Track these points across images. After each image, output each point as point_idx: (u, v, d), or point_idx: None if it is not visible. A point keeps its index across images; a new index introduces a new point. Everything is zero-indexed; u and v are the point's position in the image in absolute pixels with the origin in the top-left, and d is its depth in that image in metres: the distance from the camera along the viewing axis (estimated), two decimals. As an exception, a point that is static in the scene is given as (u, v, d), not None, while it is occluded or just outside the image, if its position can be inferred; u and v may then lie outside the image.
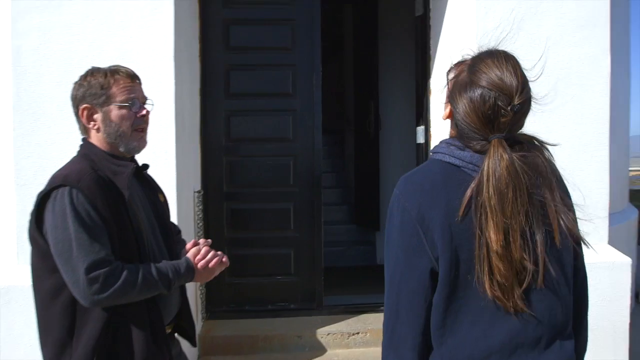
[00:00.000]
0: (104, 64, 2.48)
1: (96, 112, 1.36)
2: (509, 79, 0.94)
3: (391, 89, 4.83)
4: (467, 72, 1.00)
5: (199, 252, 1.41)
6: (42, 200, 1.26)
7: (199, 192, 3.01)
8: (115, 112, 1.36)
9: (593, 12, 2.77)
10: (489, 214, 0.92)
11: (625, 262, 2.69)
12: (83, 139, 1.42)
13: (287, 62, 3.34)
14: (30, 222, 1.30)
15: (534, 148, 1.00)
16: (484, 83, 0.95)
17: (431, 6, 3.33)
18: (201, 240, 1.46)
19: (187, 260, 1.39)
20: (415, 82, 3.56)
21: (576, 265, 1.07)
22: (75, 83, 1.41)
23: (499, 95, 0.94)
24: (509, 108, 0.94)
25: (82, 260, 1.21)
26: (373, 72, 4.74)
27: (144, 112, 1.40)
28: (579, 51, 2.74)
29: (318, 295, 3.31)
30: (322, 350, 2.96)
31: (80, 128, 1.42)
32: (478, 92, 0.95)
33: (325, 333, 3.00)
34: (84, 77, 1.39)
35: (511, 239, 0.92)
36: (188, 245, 1.45)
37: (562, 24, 2.76)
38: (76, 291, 1.22)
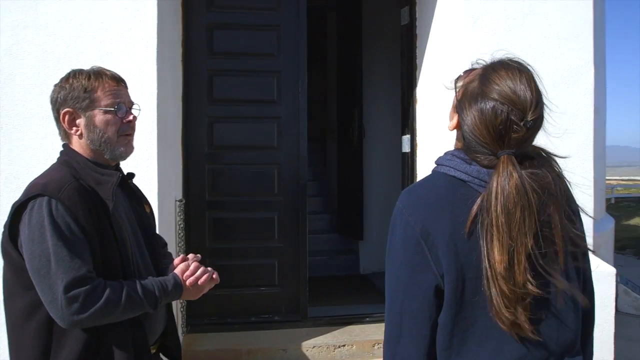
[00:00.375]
0: (82, 66, 2.39)
1: (79, 117, 1.27)
2: (523, 93, 0.90)
3: (375, 98, 4.82)
4: (479, 82, 0.95)
5: (187, 268, 1.32)
6: (18, 210, 1.16)
7: (180, 200, 2.90)
8: (99, 117, 1.27)
9: (577, 24, 2.81)
10: (494, 233, 0.88)
11: (610, 272, 2.72)
12: (64, 145, 1.33)
13: (272, 68, 3.28)
14: (3, 234, 1.20)
15: (544, 162, 0.96)
16: (495, 95, 0.91)
17: (417, 15, 3.33)
18: (190, 255, 1.38)
19: (175, 276, 1.30)
20: (401, 91, 3.55)
21: (584, 280, 1.05)
22: (56, 85, 1.31)
23: (511, 110, 0.90)
24: (522, 124, 0.90)
25: (61, 278, 1.11)
26: (357, 80, 4.72)
27: (131, 117, 1.32)
28: (564, 63, 2.77)
29: (303, 307, 3.23)
30: (307, 364, 2.88)
31: (60, 133, 1.32)
32: (490, 104, 0.91)
33: (311, 346, 2.92)
34: (65, 79, 1.30)
35: (515, 261, 0.88)
36: (176, 261, 1.37)
37: (547, 36, 2.79)
38: (53, 311, 1.12)
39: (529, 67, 0.96)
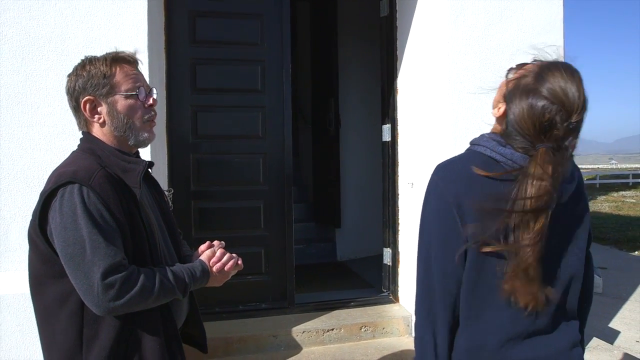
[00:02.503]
0: (68, 52, 2.32)
1: (100, 105, 1.25)
2: (573, 96, 0.96)
3: (351, 87, 4.89)
4: (533, 78, 1.01)
5: (213, 255, 1.34)
6: (47, 199, 1.14)
7: (169, 190, 2.86)
8: (121, 102, 1.25)
9: (549, 19, 2.99)
10: (524, 213, 0.96)
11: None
12: (84, 133, 1.30)
13: (256, 57, 3.27)
14: (32, 223, 1.17)
15: (569, 156, 1.05)
16: (547, 94, 0.97)
17: (397, 8, 3.41)
18: (215, 242, 1.39)
19: (202, 263, 1.32)
20: (381, 82, 3.63)
21: (587, 255, 1.17)
22: (71, 74, 1.28)
23: (559, 110, 0.96)
24: (565, 124, 0.97)
25: (98, 265, 1.10)
26: (333, 70, 4.77)
27: (151, 100, 1.31)
28: (538, 56, 2.93)
29: (290, 294, 3.28)
30: (297, 348, 2.94)
31: (80, 122, 1.30)
32: (540, 102, 0.97)
33: (300, 331, 2.98)
34: (81, 67, 1.27)
35: (537, 238, 0.97)
36: (202, 248, 1.38)
37: (523, 30, 2.95)
38: (89, 298, 1.11)
39: (579, 72, 1.02)
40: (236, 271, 1.40)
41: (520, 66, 1.11)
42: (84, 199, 1.13)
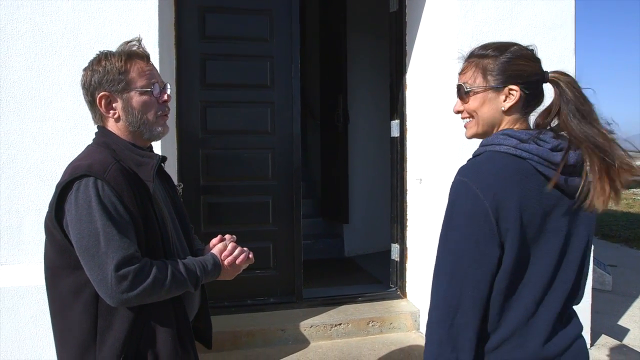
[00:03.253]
0: (80, 48, 2.35)
1: (115, 100, 1.27)
2: None
3: (359, 83, 4.88)
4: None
5: (225, 248, 1.36)
6: (63, 191, 1.16)
7: (179, 185, 2.89)
8: (136, 98, 1.27)
9: (560, 14, 2.96)
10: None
11: (588, 248, 2.92)
12: (99, 127, 1.32)
13: (265, 53, 3.28)
14: (49, 214, 1.19)
15: None
16: None
17: (407, 3, 3.40)
18: (227, 236, 1.41)
19: (214, 256, 1.33)
20: (390, 77, 3.62)
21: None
22: (87, 69, 1.30)
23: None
24: None
25: (111, 257, 1.12)
26: (342, 66, 4.76)
27: (165, 97, 1.33)
28: (549, 51, 2.91)
29: (298, 289, 3.30)
30: (305, 342, 2.96)
31: (95, 117, 1.32)
32: None
33: (308, 325, 3.00)
34: (97, 62, 1.28)
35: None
36: (213, 241, 1.40)
37: (533, 25, 2.93)
38: (103, 289, 1.14)
39: None
40: (247, 265, 1.41)
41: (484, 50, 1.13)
42: (99, 191, 1.15)
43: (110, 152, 1.24)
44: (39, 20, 2.28)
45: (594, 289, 4.44)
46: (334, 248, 4.95)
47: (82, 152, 1.28)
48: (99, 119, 1.31)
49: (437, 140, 3.01)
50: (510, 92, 1.08)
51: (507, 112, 1.10)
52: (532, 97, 1.10)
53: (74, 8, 2.31)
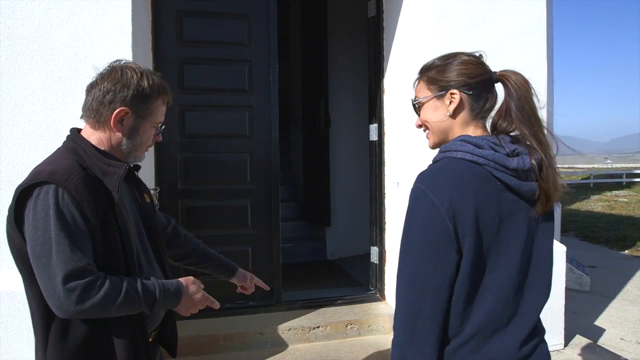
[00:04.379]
0: (52, 52, 2.33)
1: (129, 120, 1.26)
2: None
3: (340, 88, 4.92)
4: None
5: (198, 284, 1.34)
6: (22, 195, 1.15)
7: (155, 189, 2.89)
8: (145, 129, 1.29)
9: (532, 21, 3.02)
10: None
11: (561, 249, 2.97)
12: (72, 130, 1.30)
13: (243, 57, 3.30)
14: (9, 219, 1.18)
15: None
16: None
17: (384, 8, 3.44)
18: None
19: (179, 282, 1.30)
20: (369, 81, 3.66)
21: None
22: (120, 74, 1.25)
23: None
24: None
25: (60, 268, 1.09)
26: (322, 70, 4.79)
27: (159, 138, 1.36)
28: (521, 57, 2.97)
29: (277, 292, 3.31)
30: (283, 345, 2.97)
31: (97, 117, 1.26)
32: None
33: (287, 328, 3.01)
34: (135, 76, 1.25)
35: None
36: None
37: (506, 32, 2.98)
38: (51, 300, 1.11)
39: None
40: (205, 307, 1.38)
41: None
42: (58, 200, 1.12)
43: (78, 158, 1.22)
44: (9, 23, 2.27)
45: (570, 290, 4.51)
46: (316, 251, 4.96)
47: (50, 155, 1.26)
48: (101, 121, 1.26)
49: (414, 144, 3.05)
50: (452, 95, 1.11)
51: (454, 116, 1.12)
52: (477, 98, 1.11)
53: (45, 12, 2.30)
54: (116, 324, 1.21)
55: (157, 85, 1.28)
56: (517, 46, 2.97)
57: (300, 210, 5.39)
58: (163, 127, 1.35)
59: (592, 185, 20.98)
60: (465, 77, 1.10)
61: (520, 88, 1.08)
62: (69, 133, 1.31)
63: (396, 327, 1.04)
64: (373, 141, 3.58)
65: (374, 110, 3.58)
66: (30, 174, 1.18)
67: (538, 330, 1.12)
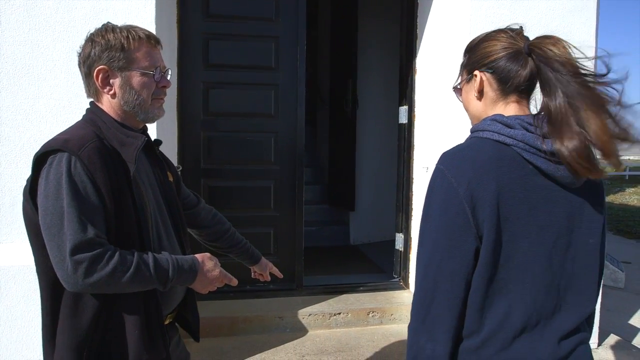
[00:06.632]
0: (74, 23, 2.28)
1: (114, 77, 1.20)
2: None
3: (369, 68, 4.75)
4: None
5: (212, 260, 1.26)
6: (37, 163, 1.10)
7: (178, 167, 2.83)
8: (136, 78, 1.20)
9: (581, -2, 2.79)
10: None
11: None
12: (91, 103, 1.25)
13: (270, 33, 3.18)
14: (24, 190, 1.13)
15: None
16: None
17: (419, -16, 3.25)
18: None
19: (194, 258, 1.23)
20: (400, 62, 3.50)
21: None
22: (88, 40, 1.21)
23: None
24: None
25: (69, 239, 1.05)
26: (352, 50, 4.63)
27: (166, 83, 1.26)
28: (568, 38, 2.75)
29: (298, 276, 3.25)
30: (303, 331, 2.91)
31: (89, 90, 1.24)
32: None
33: (307, 314, 2.95)
34: (100, 34, 1.20)
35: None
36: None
37: (552, 8, 2.77)
38: (60, 272, 1.06)
39: None
40: (223, 284, 1.31)
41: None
42: (71, 169, 1.08)
43: (96, 129, 1.17)
44: (32, -7, 2.21)
45: (605, 286, 4.31)
46: (340, 235, 4.88)
47: (69, 127, 1.22)
48: (94, 93, 1.24)
49: (445, 128, 2.89)
50: (475, 77, 1.04)
51: (480, 97, 1.05)
52: (503, 75, 1.00)
53: (68, -19, 2.23)
54: (128, 304, 1.15)
55: (125, 30, 1.20)
56: (563, 24, 2.76)
57: (325, 194, 5.30)
58: (166, 69, 1.26)
59: (627, 177, 20.17)
60: (486, 56, 1.01)
61: (554, 52, 0.94)
62: (89, 105, 1.25)
63: (412, 312, 0.99)
64: (402, 124, 3.43)
65: (404, 92, 3.43)
66: (45, 143, 1.13)
67: (579, 331, 1.01)
